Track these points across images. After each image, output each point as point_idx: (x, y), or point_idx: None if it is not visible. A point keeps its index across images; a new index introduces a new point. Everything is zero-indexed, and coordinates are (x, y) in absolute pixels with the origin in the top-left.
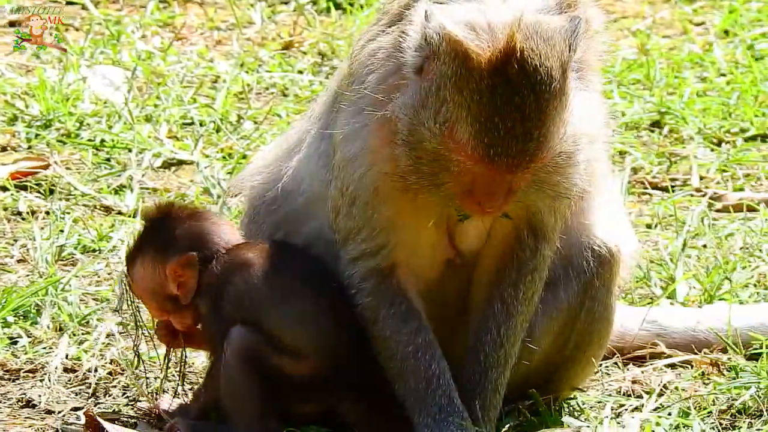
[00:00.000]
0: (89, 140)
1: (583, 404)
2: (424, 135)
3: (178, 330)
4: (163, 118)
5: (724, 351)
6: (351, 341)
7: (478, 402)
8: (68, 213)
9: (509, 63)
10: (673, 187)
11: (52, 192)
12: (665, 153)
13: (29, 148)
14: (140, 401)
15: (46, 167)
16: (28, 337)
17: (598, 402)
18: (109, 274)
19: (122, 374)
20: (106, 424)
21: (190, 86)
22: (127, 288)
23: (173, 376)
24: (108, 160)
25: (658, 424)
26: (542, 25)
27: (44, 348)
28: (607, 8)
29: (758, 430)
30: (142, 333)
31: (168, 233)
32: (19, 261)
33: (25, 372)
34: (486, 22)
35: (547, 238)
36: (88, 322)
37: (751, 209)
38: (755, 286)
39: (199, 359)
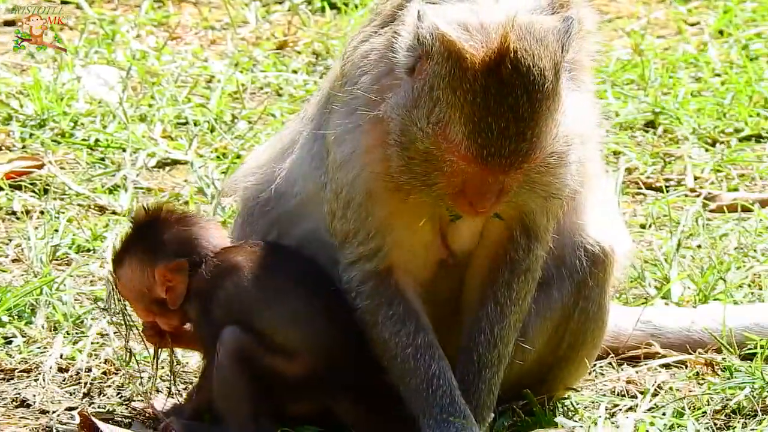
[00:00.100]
0: (84, 140)
1: (578, 404)
2: (417, 135)
3: (165, 330)
4: (158, 118)
5: (719, 351)
6: (345, 341)
7: (472, 402)
8: (63, 212)
9: (502, 63)
10: (667, 187)
11: (46, 191)
12: (659, 153)
13: (24, 147)
14: (134, 401)
15: (40, 167)
16: (23, 336)
17: (593, 402)
18: (103, 274)
19: (116, 374)
20: (100, 424)
21: (184, 86)
22: (115, 288)
23: (167, 376)
24: (102, 159)
25: (652, 424)
26: (535, 26)
27: (39, 348)
28: (602, 8)
29: (753, 430)
30: (132, 332)
31: (157, 236)
32: (13, 260)
33: (20, 372)
34: (479, 23)
35: (540, 238)
36: (82, 322)
37: (745, 209)
38: (749, 286)
39: (192, 359)
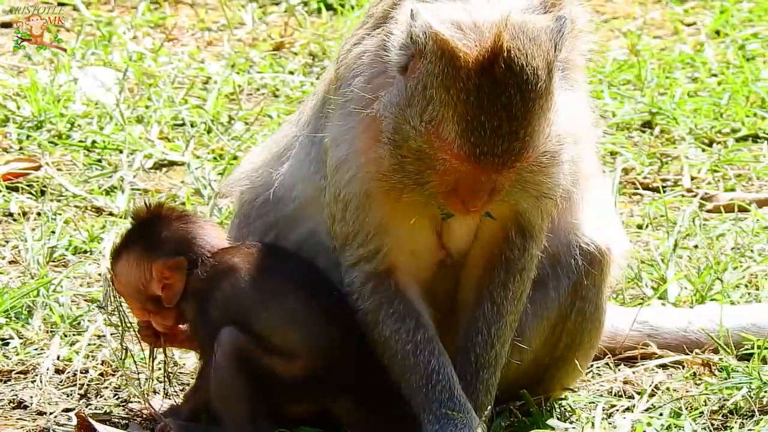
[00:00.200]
0: (80, 141)
1: (574, 405)
2: (410, 133)
3: (159, 331)
4: (155, 119)
5: (716, 351)
6: (344, 342)
7: (470, 402)
8: (60, 214)
9: (496, 62)
10: (664, 187)
11: (43, 193)
12: (656, 153)
13: (21, 149)
14: (131, 402)
15: (37, 168)
16: (20, 338)
17: (590, 402)
18: (100, 275)
19: (114, 375)
20: (97, 425)
21: (181, 87)
22: (112, 285)
23: (164, 377)
24: (99, 161)
25: (649, 424)
26: (528, 25)
27: (36, 349)
28: (598, 9)
29: (749, 430)
30: (129, 332)
31: (157, 234)
32: (10, 262)
33: (17, 373)
34: (472, 22)
35: (535, 237)
36: (79, 323)
37: (742, 210)
38: (746, 286)
39: (189, 360)
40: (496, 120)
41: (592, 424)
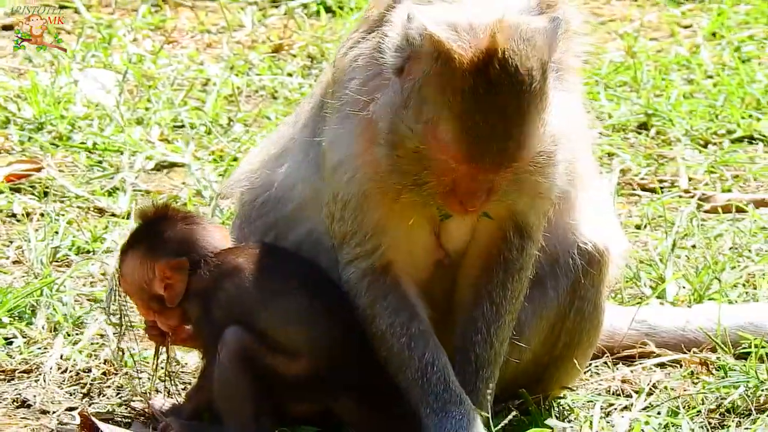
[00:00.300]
0: (82, 143)
1: (573, 403)
2: (406, 134)
3: (165, 330)
4: (155, 121)
5: (713, 350)
6: (346, 341)
7: (470, 401)
8: (62, 215)
9: (491, 63)
10: (661, 188)
11: (46, 194)
12: (653, 155)
13: (22, 150)
14: (134, 401)
15: (39, 170)
16: (23, 337)
17: (588, 401)
18: (103, 275)
19: (116, 375)
20: (100, 424)
21: (180, 89)
22: (117, 285)
23: (166, 376)
24: (100, 162)
25: (647, 423)
26: (523, 26)
27: (39, 348)
28: (595, 11)
29: (747, 429)
30: (130, 331)
31: (161, 233)
32: (14, 262)
33: (20, 372)
34: (467, 23)
35: (532, 237)
36: (82, 323)
37: (739, 210)
38: (744, 286)
39: (191, 359)
40: (491, 120)
41: (591, 422)
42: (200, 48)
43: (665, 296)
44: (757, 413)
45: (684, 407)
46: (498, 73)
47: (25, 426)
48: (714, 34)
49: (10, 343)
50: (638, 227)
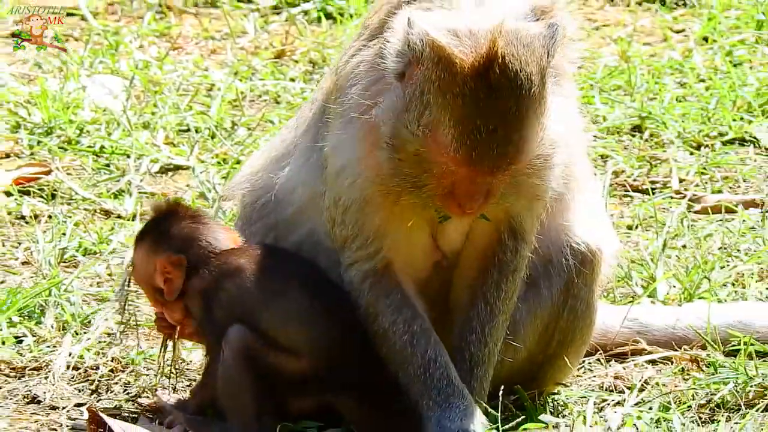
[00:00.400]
0: (89, 147)
1: (567, 399)
2: (407, 137)
3: (174, 324)
4: (160, 125)
5: (703, 348)
6: (346, 341)
7: None
8: (70, 217)
9: (491, 68)
10: (653, 189)
11: (54, 197)
12: (646, 156)
13: (32, 154)
14: (141, 397)
15: (48, 173)
16: (33, 336)
17: (582, 397)
18: (109, 275)
19: (123, 372)
20: (108, 420)
21: (185, 94)
22: (129, 275)
23: (172, 372)
24: (107, 165)
25: (639, 418)
26: (522, 32)
27: (48, 347)
28: (590, 17)
29: (736, 423)
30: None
31: (166, 229)
32: (23, 263)
33: (30, 370)
34: (468, 29)
35: (526, 239)
36: (90, 322)
37: (729, 211)
38: (733, 285)
39: (195, 356)
40: (491, 124)
41: (584, 418)
42: (205, 54)
43: (656, 295)
44: (746, 408)
45: (675, 403)
46: (498, 78)
47: (36, 421)
48: (706, 39)
49: (21, 342)
50: (630, 228)
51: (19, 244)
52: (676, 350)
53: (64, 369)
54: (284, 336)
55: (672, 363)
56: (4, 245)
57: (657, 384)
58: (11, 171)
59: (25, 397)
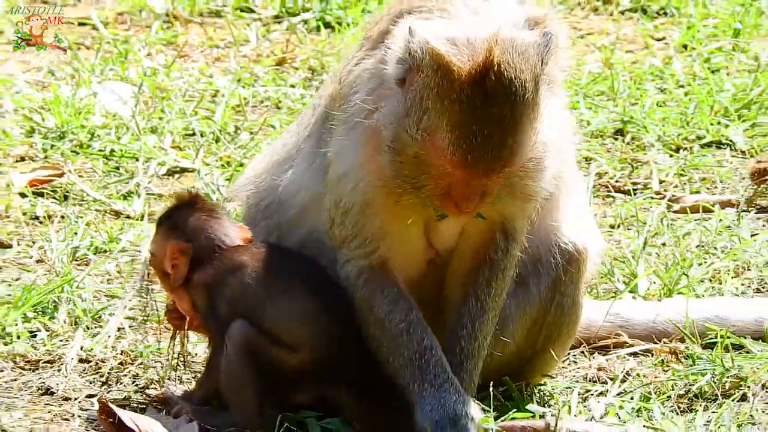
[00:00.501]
0: (100, 150)
1: (552, 390)
2: (407, 141)
3: (184, 315)
4: (167, 130)
5: (682, 341)
6: (346, 337)
7: None
8: (81, 217)
9: (487, 75)
10: (634, 190)
11: (66, 198)
12: (628, 159)
13: (45, 158)
14: (149, 389)
15: (60, 175)
16: (46, 330)
17: (567, 388)
18: (119, 272)
19: (132, 364)
20: (117, 410)
21: (191, 100)
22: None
23: (179, 364)
24: (117, 168)
25: (621, 407)
26: (517, 41)
27: (61, 341)
28: (575, 25)
29: (713, 413)
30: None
31: (180, 218)
32: (37, 261)
33: (44, 363)
34: (465, 38)
35: (517, 239)
36: (100, 317)
37: (706, 210)
38: (710, 281)
39: (201, 349)
40: (486, 129)
41: (569, 407)
42: (209, 62)
43: (637, 291)
44: (722, 398)
45: (655, 393)
46: (494, 85)
47: (49, 412)
48: (685, 46)
49: (35, 336)
50: (612, 227)
51: (34, 243)
52: (656, 343)
53: (76, 362)
54: (286, 332)
55: (652, 355)
56: (19, 244)
57: (638, 375)
58: (26, 173)
59: (39, 389)
